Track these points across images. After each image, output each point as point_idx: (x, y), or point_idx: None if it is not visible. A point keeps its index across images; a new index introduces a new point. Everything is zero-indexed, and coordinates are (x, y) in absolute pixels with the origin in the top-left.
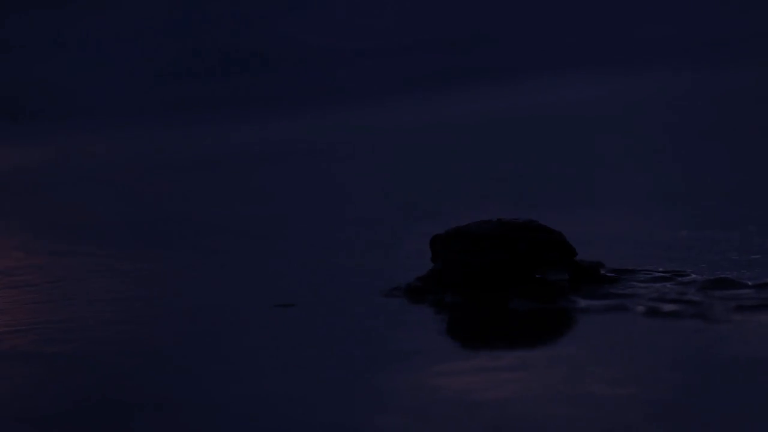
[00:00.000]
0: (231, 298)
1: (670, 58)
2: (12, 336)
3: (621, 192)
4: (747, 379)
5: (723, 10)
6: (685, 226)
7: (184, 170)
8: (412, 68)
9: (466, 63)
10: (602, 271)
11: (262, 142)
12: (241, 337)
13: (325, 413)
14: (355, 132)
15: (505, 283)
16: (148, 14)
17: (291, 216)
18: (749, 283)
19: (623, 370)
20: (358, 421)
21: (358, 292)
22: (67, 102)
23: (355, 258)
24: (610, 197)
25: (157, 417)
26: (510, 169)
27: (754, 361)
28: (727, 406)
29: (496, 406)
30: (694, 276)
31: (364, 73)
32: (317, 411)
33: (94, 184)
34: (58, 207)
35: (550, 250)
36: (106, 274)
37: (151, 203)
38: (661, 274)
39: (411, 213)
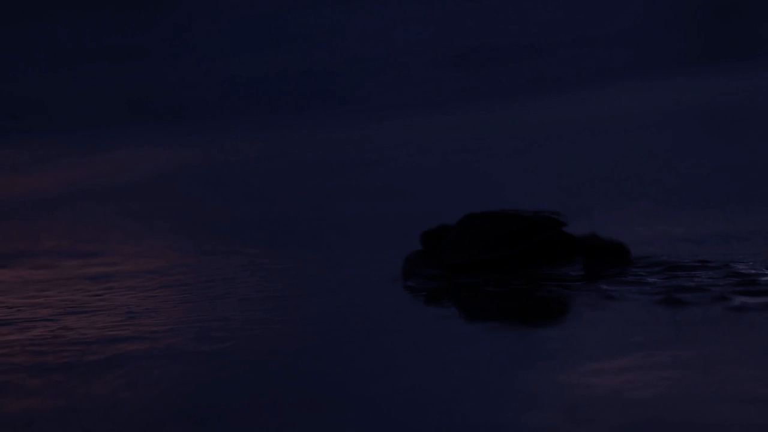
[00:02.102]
0: (371, 298)
1: None
2: (168, 335)
3: None
4: None
5: None
6: None
7: (327, 170)
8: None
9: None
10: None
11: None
12: (384, 336)
13: (478, 413)
14: (515, 128)
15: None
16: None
17: (443, 213)
18: None
19: None
20: (511, 419)
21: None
22: (219, 103)
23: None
24: None
25: (312, 415)
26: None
27: None
28: None
29: (652, 404)
30: None
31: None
32: (470, 410)
33: (238, 183)
34: (207, 207)
35: (555, 245)
36: (254, 273)
37: (292, 202)
38: None
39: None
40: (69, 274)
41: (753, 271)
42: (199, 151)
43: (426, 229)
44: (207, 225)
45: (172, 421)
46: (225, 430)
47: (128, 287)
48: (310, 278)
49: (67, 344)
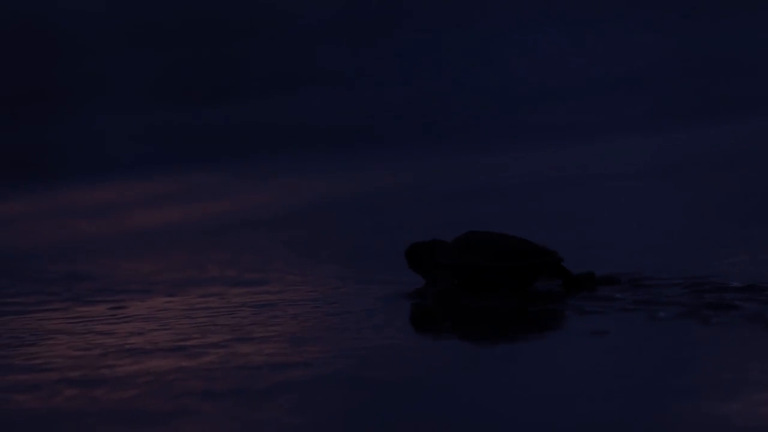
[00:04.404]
0: (534, 324)
1: None
2: (332, 361)
3: None
4: None
5: None
6: None
7: (475, 197)
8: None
9: None
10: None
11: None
12: (560, 363)
13: None
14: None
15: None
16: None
17: (615, 241)
18: None
19: None
20: None
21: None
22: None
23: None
24: None
25: None
26: None
27: None
28: None
29: None
30: None
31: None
32: None
33: (401, 210)
34: (368, 235)
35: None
36: (411, 300)
37: (457, 230)
38: None
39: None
40: (236, 302)
41: None
42: (362, 177)
43: (417, 241)
44: (368, 253)
45: None
46: None
47: (292, 315)
48: (464, 306)
49: (236, 370)
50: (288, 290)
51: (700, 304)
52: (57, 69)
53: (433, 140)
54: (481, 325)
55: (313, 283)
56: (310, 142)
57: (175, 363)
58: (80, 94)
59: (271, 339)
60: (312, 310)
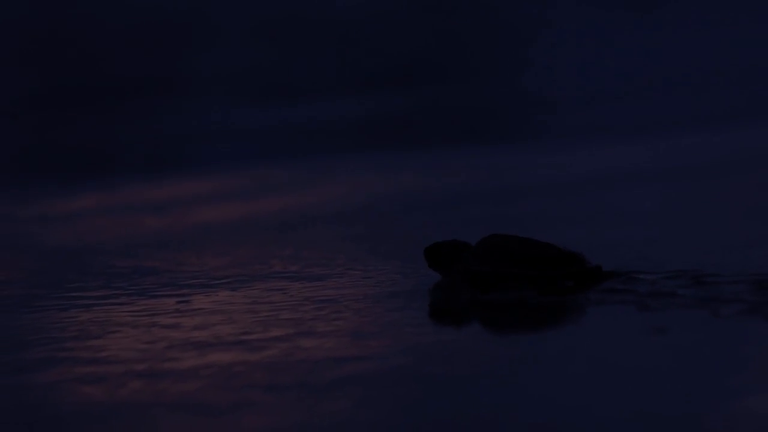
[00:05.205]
0: (593, 324)
1: None
2: (396, 355)
3: None
4: None
5: None
6: None
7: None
8: None
9: None
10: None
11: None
12: (620, 359)
13: None
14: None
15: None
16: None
17: (676, 238)
18: None
19: None
20: None
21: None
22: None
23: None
24: None
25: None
26: None
27: None
28: None
29: None
30: None
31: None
32: None
33: (460, 207)
34: (429, 232)
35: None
36: (460, 299)
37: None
38: None
39: None
40: (298, 297)
41: None
42: (428, 175)
43: (438, 241)
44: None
45: None
46: None
47: (354, 310)
48: (510, 301)
49: (299, 363)
50: (350, 286)
51: (763, 301)
52: (125, 67)
53: (496, 139)
54: (538, 320)
55: (375, 279)
56: (378, 139)
57: (239, 356)
58: (148, 92)
59: (333, 333)
60: (373, 306)
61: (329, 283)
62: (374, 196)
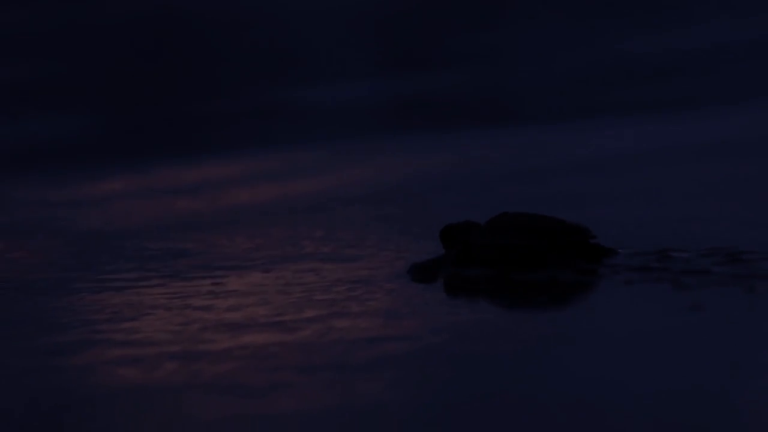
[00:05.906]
0: (606, 299)
1: None
2: (431, 335)
3: None
4: None
5: None
6: None
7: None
8: None
9: None
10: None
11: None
12: (657, 337)
13: None
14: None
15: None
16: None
17: (713, 215)
18: None
19: None
20: None
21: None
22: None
23: None
24: None
25: (572, 415)
26: None
27: None
28: None
29: None
30: None
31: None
32: None
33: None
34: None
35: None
36: (492, 278)
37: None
38: None
39: None
40: (331, 278)
41: None
42: (460, 156)
43: (451, 222)
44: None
45: (436, 419)
46: (487, 429)
47: (387, 290)
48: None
49: (333, 344)
50: (383, 266)
51: None
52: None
53: (526, 119)
54: (570, 299)
55: (407, 260)
56: (410, 120)
57: (273, 337)
58: (179, 76)
59: (367, 314)
60: (406, 286)
61: (361, 264)
62: (406, 177)
